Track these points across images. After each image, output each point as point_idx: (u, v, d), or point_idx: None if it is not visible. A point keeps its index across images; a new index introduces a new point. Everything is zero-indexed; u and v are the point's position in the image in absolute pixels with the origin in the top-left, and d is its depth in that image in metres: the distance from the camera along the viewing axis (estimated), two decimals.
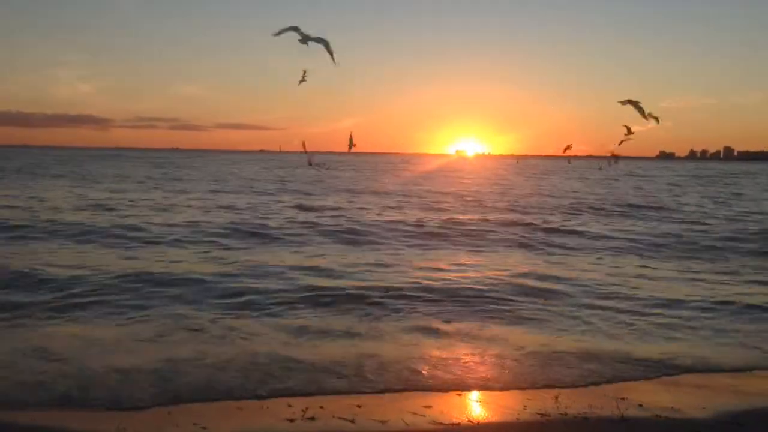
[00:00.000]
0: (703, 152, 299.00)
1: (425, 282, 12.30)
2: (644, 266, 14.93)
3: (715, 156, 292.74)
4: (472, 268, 14.06)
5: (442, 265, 14.40)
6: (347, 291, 11.34)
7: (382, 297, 10.95)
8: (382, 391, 6.88)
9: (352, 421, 5.94)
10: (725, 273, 14.34)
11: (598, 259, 16.02)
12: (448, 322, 9.68)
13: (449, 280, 12.70)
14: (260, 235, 18.48)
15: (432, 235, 19.78)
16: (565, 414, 6.17)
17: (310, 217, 23.76)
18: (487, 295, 11.38)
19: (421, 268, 13.89)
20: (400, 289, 11.58)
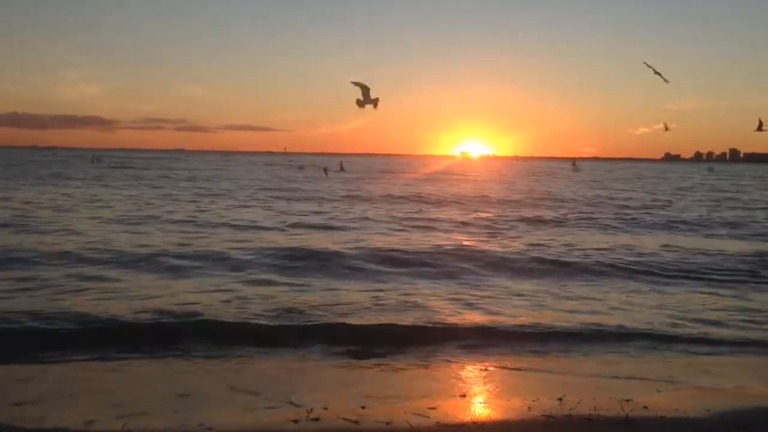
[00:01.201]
0: (709, 154, 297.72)
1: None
2: None
3: (721, 158, 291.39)
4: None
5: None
6: None
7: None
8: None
9: (357, 422, 5.95)
10: None
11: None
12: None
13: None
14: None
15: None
16: (570, 415, 6.17)
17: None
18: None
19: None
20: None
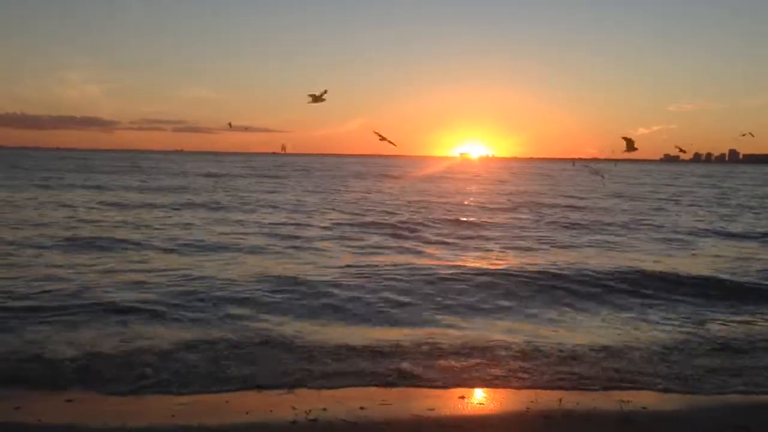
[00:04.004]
0: (708, 155, 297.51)
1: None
2: None
3: (720, 159, 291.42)
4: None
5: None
6: None
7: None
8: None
9: (355, 423, 5.93)
10: None
11: None
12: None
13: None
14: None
15: None
16: (569, 415, 6.15)
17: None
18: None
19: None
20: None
